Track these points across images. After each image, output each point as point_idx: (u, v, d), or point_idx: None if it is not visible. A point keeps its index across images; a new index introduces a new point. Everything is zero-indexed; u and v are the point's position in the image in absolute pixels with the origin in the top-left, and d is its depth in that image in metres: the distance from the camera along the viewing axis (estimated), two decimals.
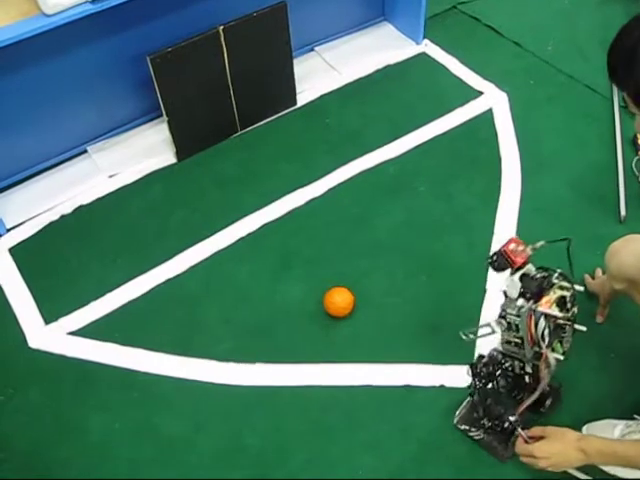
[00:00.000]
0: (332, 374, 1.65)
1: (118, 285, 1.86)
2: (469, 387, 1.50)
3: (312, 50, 2.61)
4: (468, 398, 1.54)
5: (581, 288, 1.35)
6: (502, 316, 1.34)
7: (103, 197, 2.12)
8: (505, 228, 1.94)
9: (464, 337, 1.46)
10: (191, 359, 1.70)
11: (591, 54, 2.52)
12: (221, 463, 1.52)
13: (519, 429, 1.38)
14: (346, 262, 1.90)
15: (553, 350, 1.30)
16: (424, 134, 2.26)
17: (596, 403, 1.55)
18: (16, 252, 1.97)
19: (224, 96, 2.21)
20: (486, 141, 2.23)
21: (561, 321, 1.30)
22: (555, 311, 1.28)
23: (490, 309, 1.73)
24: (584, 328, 1.35)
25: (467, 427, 1.50)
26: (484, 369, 1.45)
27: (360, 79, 2.49)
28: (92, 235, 2.02)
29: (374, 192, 2.08)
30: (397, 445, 1.51)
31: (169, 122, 2.13)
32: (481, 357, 1.49)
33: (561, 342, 1.34)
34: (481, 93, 2.40)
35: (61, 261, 1.94)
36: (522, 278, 1.31)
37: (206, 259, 1.93)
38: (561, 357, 1.30)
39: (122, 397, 1.64)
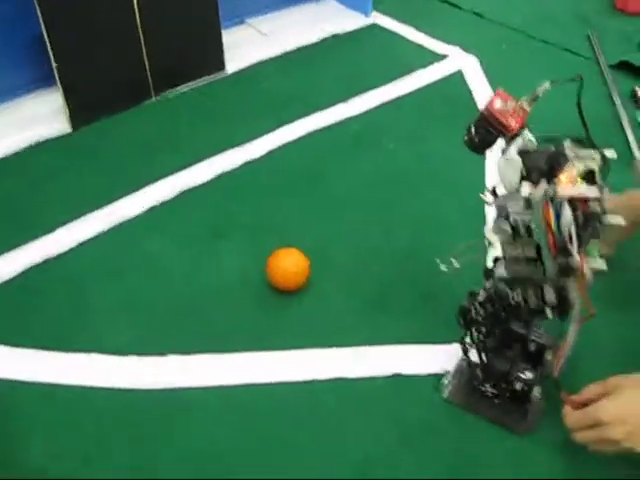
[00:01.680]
0: (283, 366, 1.12)
1: None
2: (460, 341, 1.02)
3: (243, 22, 2.21)
4: (458, 359, 1.07)
5: (612, 154, 0.83)
6: (502, 218, 0.86)
7: None
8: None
9: (444, 268, 1.00)
10: (72, 355, 1.13)
11: (565, 23, 2.24)
12: None
13: (562, 392, 0.90)
14: (297, 227, 1.40)
15: (586, 252, 0.81)
16: (386, 93, 1.84)
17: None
18: None
19: (134, 48, 1.74)
20: (460, 98, 1.83)
21: (595, 208, 0.80)
22: (585, 189, 0.79)
23: None
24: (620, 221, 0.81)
25: (463, 400, 1.03)
26: (480, 310, 0.96)
27: (302, 47, 2.08)
28: None
29: (330, 151, 1.63)
30: (387, 462, 0.98)
31: (59, 70, 1.63)
32: (473, 294, 0.99)
33: (598, 241, 0.82)
34: (445, 56, 2.03)
35: None
36: (521, 155, 0.84)
37: (102, 233, 1.39)
38: (603, 266, 0.81)
39: None
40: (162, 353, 1.13)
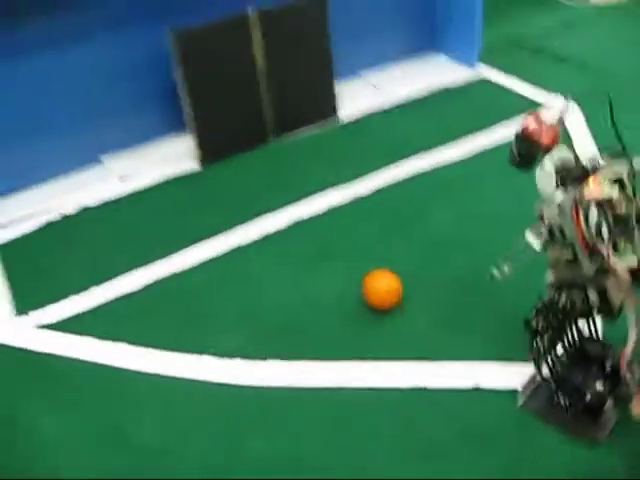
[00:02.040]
0: (373, 374, 1.23)
1: (109, 278, 1.52)
2: (530, 352, 1.09)
3: (356, 75, 2.40)
4: (535, 372, 1.12)
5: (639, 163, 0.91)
6: (540, 222, 0.98)
7: (111, 199, 1.83)
8: None
9: (496, 274, 1.07)
10: (184, 355, 1.30)
11: None
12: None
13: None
14: (394, 256, 1.52)
15: (617, 251, 0.88)
16: (486, 141, 1.95)
17: None
18: (7, 247, 1.67)
19: (256, 98, 1.96)
20: None
21: (621, 210, 0.88)
22: (608, 190, 0.88)
23: None
24: None
25: (537, 408, 1.10)
26: (540, 321, 1.05)
27: (410, 98, 2.23)
28: (93, 234, 1.72)
29: (428, 192, 1.75)
30: (467, 460, 1.05)
31: (193, 118, 1.87)
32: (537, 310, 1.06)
33: (631, 241, 0.90)
34: (544, 104, 2.10)
35: (53, 258, 1.63)
36: (555, 167, 0.96)
37: (221, 254, 1.58)
38: (633, 262, 0.87)
39: (89, 397, 1.25)
40: (264, 358, 1.27)
